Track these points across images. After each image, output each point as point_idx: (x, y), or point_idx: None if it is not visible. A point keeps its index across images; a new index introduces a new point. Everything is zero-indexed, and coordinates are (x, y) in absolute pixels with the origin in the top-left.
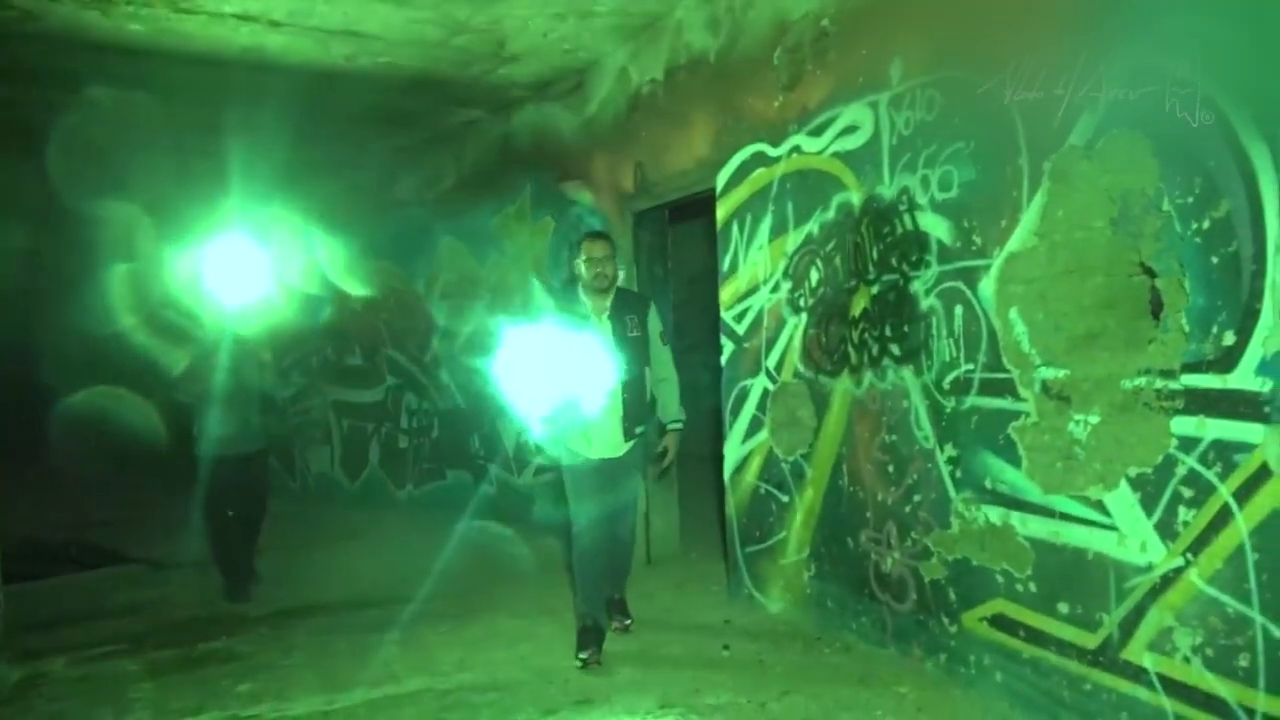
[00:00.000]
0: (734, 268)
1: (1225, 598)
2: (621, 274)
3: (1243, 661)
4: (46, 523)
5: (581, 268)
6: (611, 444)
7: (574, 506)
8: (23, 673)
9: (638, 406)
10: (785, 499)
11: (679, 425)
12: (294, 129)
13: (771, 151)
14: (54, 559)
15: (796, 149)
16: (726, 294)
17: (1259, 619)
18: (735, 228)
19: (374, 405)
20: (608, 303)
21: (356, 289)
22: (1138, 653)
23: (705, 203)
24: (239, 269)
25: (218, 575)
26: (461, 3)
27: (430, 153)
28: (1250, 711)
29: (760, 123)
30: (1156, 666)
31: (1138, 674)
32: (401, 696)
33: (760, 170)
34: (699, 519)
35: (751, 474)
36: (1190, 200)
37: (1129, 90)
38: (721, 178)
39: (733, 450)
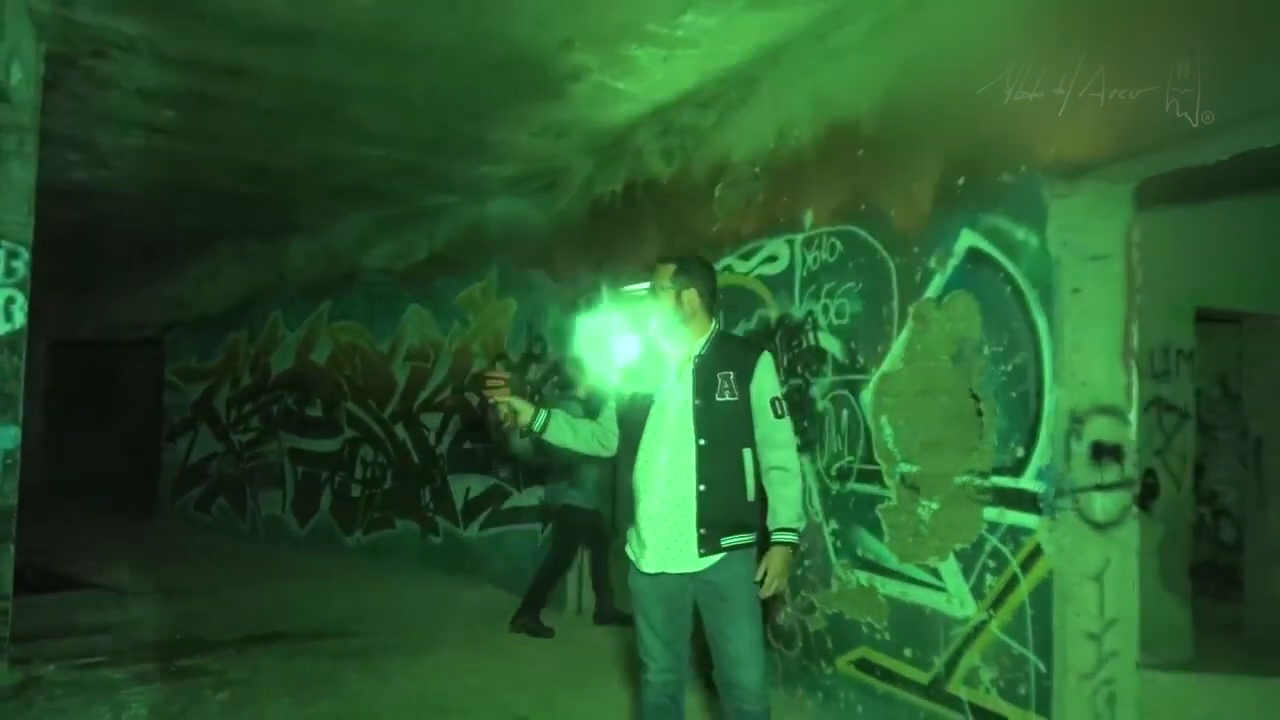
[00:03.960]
0: None
1: (1012, 642)
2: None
3: (1021, 690)
4: None
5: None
6: (677, 554)
7: (640, 641)
8: (17, 676)
9: (726, 504)
10: None
11: (791, 537)
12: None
13: None
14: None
15: (729, 268)
16: None
17: (1032, 657)
18: None
19: (329, 455)
20: (695, 352)
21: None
22: (956, 686)
23: None
24: None
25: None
26: (462, 118)
27: (404, 227)
28: None
29: (701, 241)
30: (968, 697)
31: (956, 703)
32: (365, 711)
33: None
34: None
35: None
36: (1001, 349)
37: (967, 264)
38: None
39: None
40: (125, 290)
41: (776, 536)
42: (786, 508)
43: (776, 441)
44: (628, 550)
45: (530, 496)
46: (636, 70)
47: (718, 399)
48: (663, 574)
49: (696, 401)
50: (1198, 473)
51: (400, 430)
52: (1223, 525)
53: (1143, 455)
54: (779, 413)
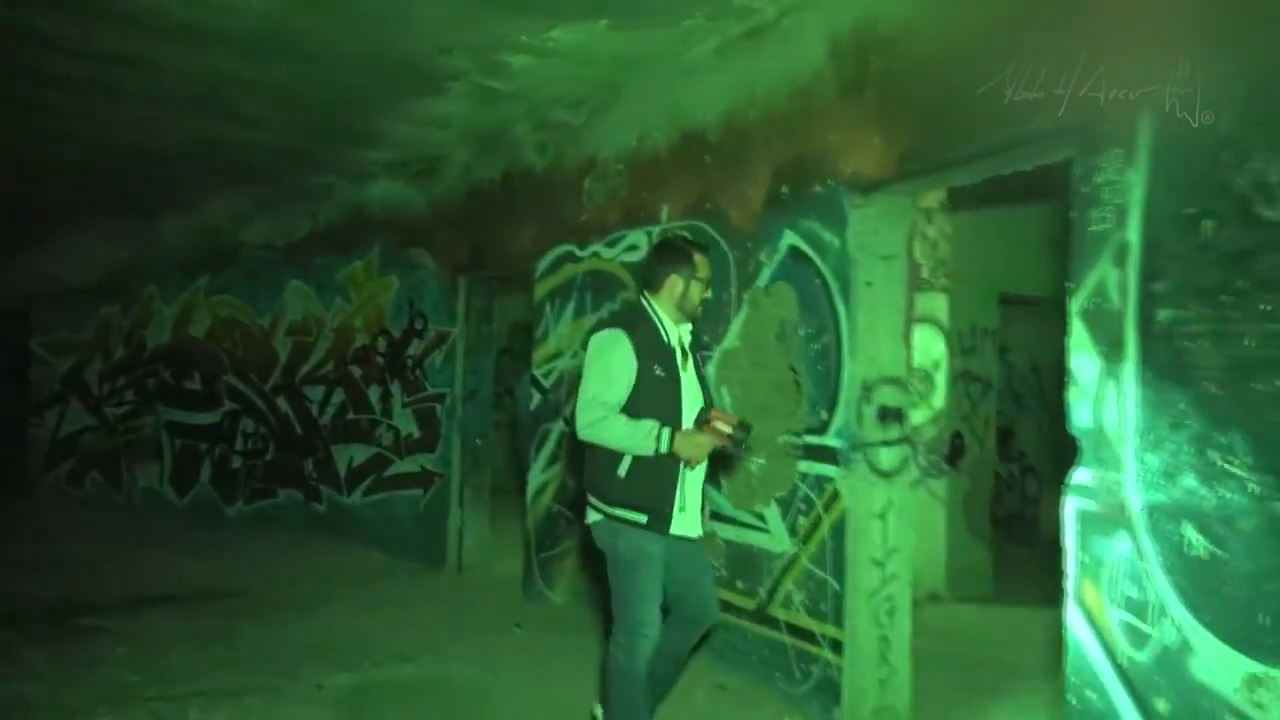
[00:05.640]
0: (545, 336)
1: (816, 569)
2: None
3: (822, 607)
4: None
5: (692, 290)
6: (694, 519)
7: (638, 604)
8: None
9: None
10: (573, 516)
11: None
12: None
13: (578, 252)
14: None
15: (596, 254)
16: (538, 356)
17: (830, 580)
18: (548, 306)
19: (209, 427)
20: (689, 333)
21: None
22: (775, 609)
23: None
24: None
25: None
26: (348, 110)
27: (285, 205)
28: (824, 635)
29: (572, 229)
30: (784, 616)
31: (775, 623)
32: (260, 657)
33: (569, 265)
34: (506, 538)
35: (547, 497)
36: (812, 330)
37: (788, 259)
38: (540, 265)
39: (535, 478)
40: None
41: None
42: None
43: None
44: (643, 519)
45: (411, 464)
46: (510, 73)
47: (703, 375)
48: (683, 538)
49: (698, 378)
50: (1008, 436)
51: (282, 402)
52: (1028, 481)
53: (951, 420)
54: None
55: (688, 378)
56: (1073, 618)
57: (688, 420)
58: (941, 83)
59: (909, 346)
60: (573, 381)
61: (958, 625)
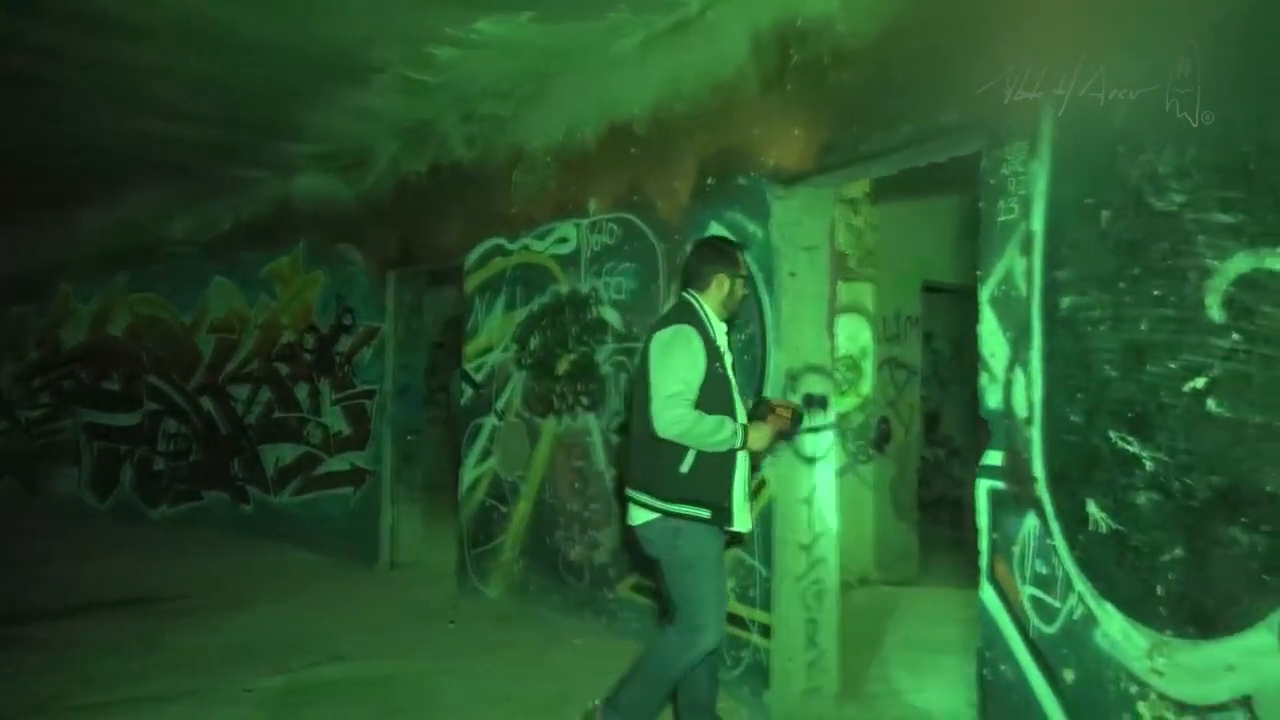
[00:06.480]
0: (475, 330)
1: (745, 556)
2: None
3: (751, 593)
4: None
5: (737, 288)
6: (746, 513)
7: (699, 606)
8: None
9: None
10: (505, 510)
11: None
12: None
13: (508, 245)
14: None
15: (526, 247)
16: (469, 350)
17: (759, 566)
18: (478, 300)
19: (129, 429)
20: (725, 331)
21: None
22: None
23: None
24: None
25: None
26: (274, 102)
27: (207, 199)
28: (753, 621)
29: (501, 222)
30: None
31: None
32: (189, 660)
33: (499, 258)
34: (441, 534)
35: (481, 492)
36: (739, 320)
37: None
38: (470, 258)
39: (468, 473)
40: None
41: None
42: None
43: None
44: (706, 514)
45: (342, 461)
46: (436, 65)
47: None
48: (735, 533)
49: (736, 375)
50: (934, 421)
51: (207, 402)
52: (953, 464)
53: (878, 406)
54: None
55: (732, 374)
56: (986, 594)
57: (740, 416)
58: (859, 77)
59: (833, 335)
60: (505, 376)
61: (886, 607)
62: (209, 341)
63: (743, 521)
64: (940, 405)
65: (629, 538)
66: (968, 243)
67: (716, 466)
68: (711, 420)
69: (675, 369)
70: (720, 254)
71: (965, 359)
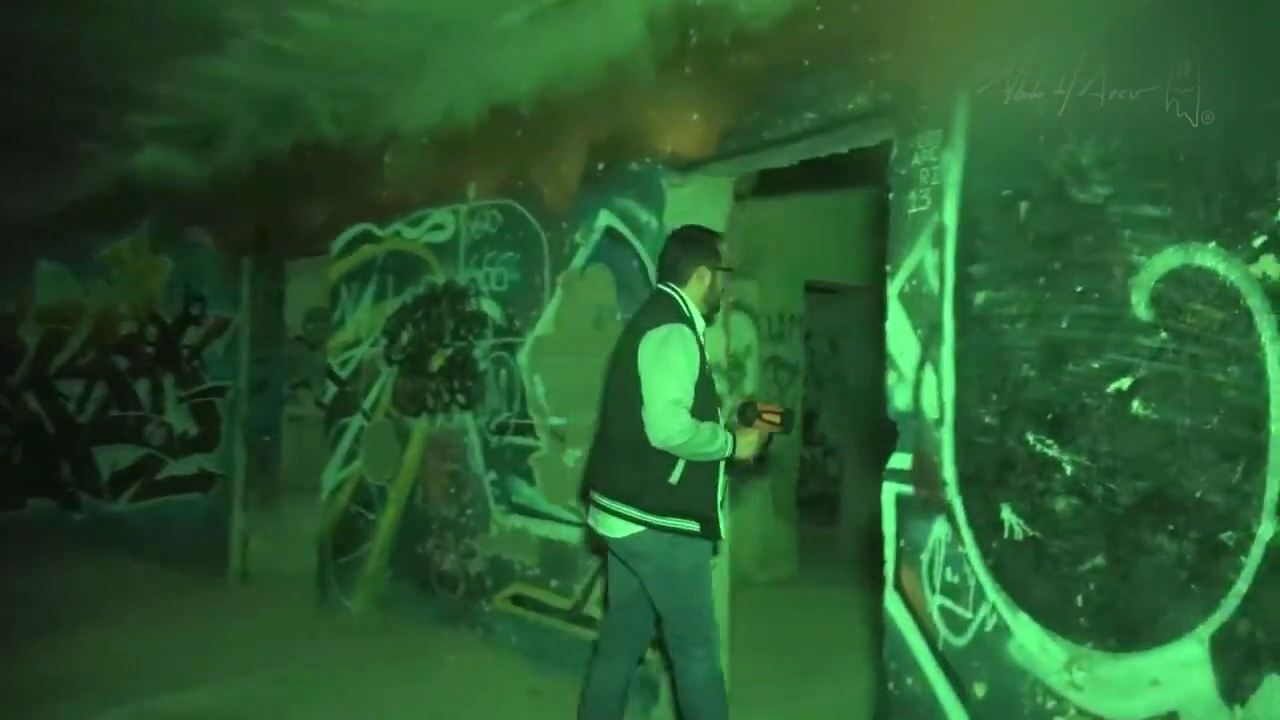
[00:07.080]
0: (341, 322)
1: None
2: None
3: None
4: None
5: (718, 280)
6: (726, 521)
7: (705, 615)
8: None
9: None
10: (372, 517)
11: None
12: None
13: (378, 231)
14: None
15: (398, 233)
16: (334, 344)
17: None
18: (344, 289)
19: None
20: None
21: None
22: (592, 608)
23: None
24: None
25: None
26: (111, 67)
27: (33, 175)
28: None
29: (371, 206)
30: (600, 615)
31: (590, 621)
32: (6, 685)
33: (368, 245)
34: (300, 542)
35: (345, 497)
36: (630, 316)
37: (604, 240)
38: (336, 245)
39: (330, 477)
40: None
41: None
42: None
43: None
44: (696, 527)
45: (188, 465)
46: (300, 32)
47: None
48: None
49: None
50: (811, 420)
51: (31, 399)
52: (829, 463)
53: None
54: None
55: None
56: (892, 604)
57: (721, 419)
58: (762, 60)
59: (728, 333)
60: (373, 372)
61: (768, 608)
62: (35, 332)
63: (724, 530)
64: (818, 404)
65: (595, 546)
66: (852, 241)
67: (703, 476)
68: (707, 429)
69: (675, 373)
70: (701, 245)
71: (841, 357)
